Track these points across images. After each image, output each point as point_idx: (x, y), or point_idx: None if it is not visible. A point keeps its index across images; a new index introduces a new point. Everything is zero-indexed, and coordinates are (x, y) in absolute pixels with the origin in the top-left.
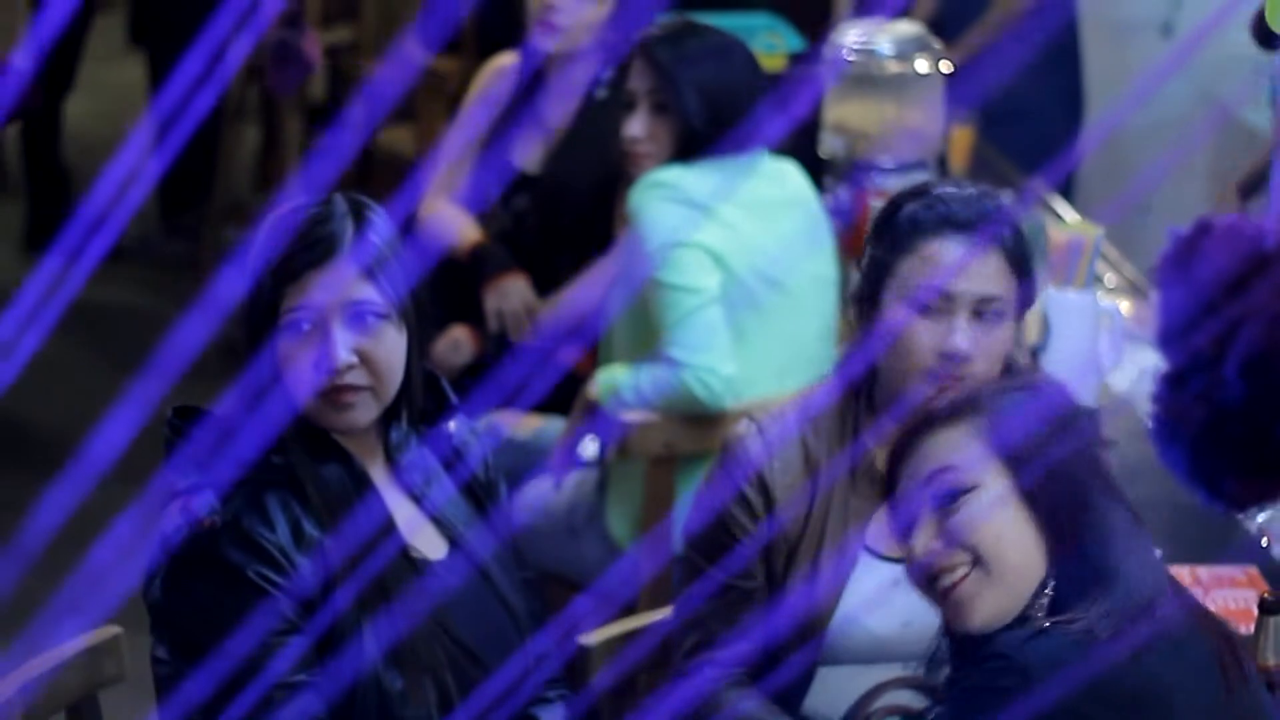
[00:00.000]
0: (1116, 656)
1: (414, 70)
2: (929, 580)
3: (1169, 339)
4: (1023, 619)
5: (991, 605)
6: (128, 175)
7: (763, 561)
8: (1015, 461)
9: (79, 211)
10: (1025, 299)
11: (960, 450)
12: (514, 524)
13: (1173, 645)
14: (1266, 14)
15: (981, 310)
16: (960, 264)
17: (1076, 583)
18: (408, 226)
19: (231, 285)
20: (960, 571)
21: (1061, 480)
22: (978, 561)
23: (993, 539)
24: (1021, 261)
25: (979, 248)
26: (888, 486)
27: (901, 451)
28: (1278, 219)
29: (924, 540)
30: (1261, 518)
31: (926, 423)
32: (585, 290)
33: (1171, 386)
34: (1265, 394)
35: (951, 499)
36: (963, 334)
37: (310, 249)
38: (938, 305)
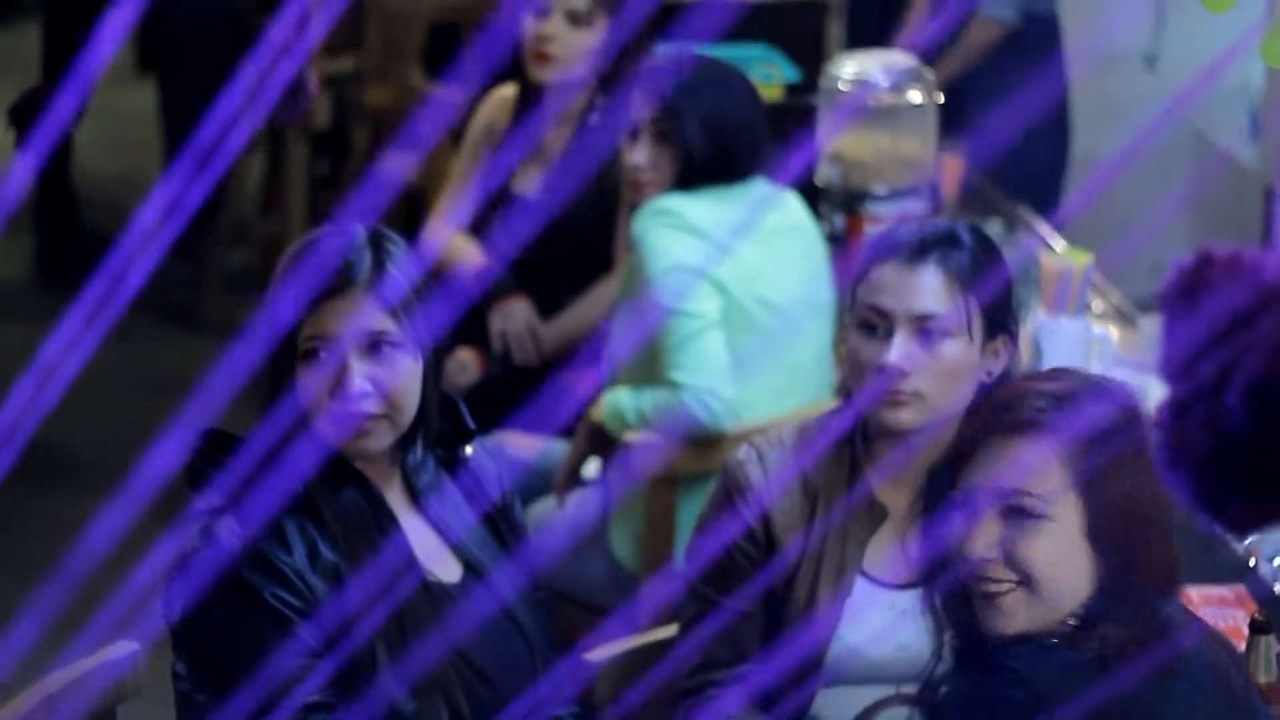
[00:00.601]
0: (1126, 676)
1: (454, 109)
2: (972, 578)
3: (1174, 369)
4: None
5: (1029, 620)
6: (165, 207)
7: (762, 587)
8: (1091, 497)
9: (116, 242)
10: (992, 320)
11: (1043, 476)
12: (528, 546)
13: (1183, 664)
14: (1263, 53)
15: (921, 328)
16: (893, 282)
17: (1108, 604)
18: (415, 253)
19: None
20: (1006, 586)
21: (1129, 519)
22: (1027, 582)
23: (1048, 566)
24: (974, 283)
25: (911, 266)
26: (955, 475)
27: (973, 447)
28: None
29: (982, 545)
30: (1249, 539)
31: (1007, 426)
32: (586, 312)
33: (1176, 414)
34: (1268, 420)
35: (1022, 518)
36: (897, 350)
37: (329, 279)
38: (876, 322)
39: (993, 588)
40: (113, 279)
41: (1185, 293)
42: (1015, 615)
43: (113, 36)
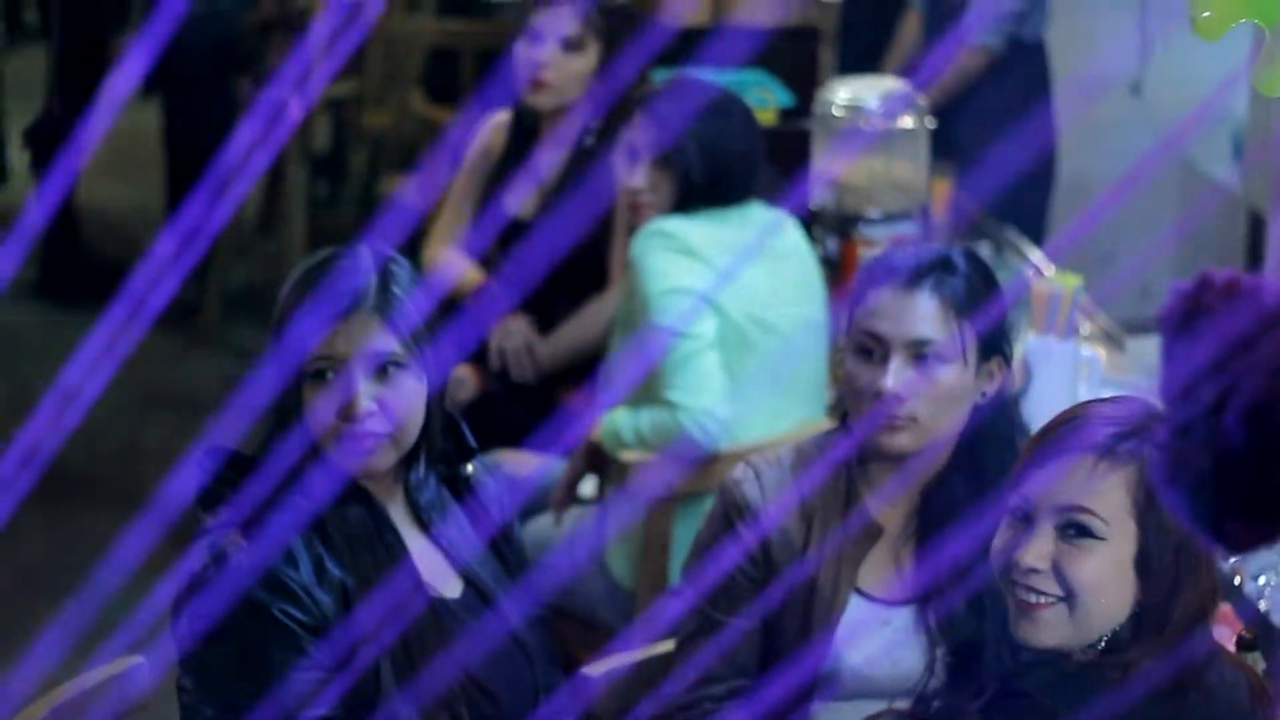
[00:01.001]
0: (1143, 704)
1: (458, 134)
2: (1011, 581)
3: (1173, 392)
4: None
5: (1064, 636)
6: (179, 235)
7: (758, 604)
8: (1149, 527)
9: (119, 263)
10: (987, 344)
11: (1108, 498)
12: (530, 565)
13: (1201, 695)
14: (1260, 84)
15: (917, 354)
16: (889, 308)
17: (1139, 630)
18: (421, 275)
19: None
20: (1047, 600)
21: (1179, 552)
22: (1070, 598)
23: (1094, 587)
24: (970, 309)
25: (907, 292)
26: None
27: (1038, 461)
28: (1278, 274)
29: (1034, 555)
30: (1233, 558)
31: (1078, 446)
32: (583, 328)
33: (1175, 435)
34: (1266, 441)
35: (1079, 536)
36: (894, 375)
37: (335, 300)
38: (872, 347)
39: (1034, 598)
40: (130, 302)
41: (1185, 316)
42: (1050, 629)
43: (136, 64)
